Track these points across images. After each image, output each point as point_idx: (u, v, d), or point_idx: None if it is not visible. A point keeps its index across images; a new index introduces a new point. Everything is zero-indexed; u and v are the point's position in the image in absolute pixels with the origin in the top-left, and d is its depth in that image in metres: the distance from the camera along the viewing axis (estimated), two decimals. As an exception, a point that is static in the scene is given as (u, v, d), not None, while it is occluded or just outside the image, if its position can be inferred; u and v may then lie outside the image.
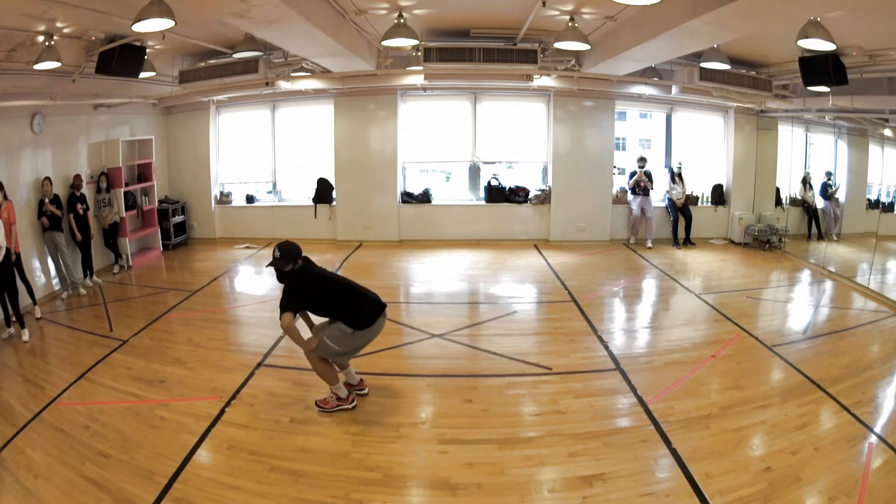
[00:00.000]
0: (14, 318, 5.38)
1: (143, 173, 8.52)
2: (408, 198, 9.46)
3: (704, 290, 6.84)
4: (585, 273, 7.60)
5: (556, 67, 7.54)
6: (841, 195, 8.81)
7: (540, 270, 7.78)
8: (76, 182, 6.91)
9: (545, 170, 9.57)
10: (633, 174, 9.15)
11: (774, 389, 4.20)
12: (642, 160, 9.11)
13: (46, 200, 6.41)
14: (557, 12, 5.39)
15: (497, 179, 9.50)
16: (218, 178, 9.72)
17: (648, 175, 9.08)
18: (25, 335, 5.27)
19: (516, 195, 9.43)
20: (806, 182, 8.92)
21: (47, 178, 6.47)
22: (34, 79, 5.87)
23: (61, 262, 6.71)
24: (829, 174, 8.78)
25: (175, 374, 4.52)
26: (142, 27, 4.01)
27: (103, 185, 7.50)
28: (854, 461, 3.22)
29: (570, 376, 4.44)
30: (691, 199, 9.40)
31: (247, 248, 9.14)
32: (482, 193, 9.59)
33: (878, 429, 3.57)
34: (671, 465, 3.23)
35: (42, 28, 5.01)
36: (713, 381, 4.34)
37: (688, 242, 9.13)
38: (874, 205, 8.00)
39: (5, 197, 5.52)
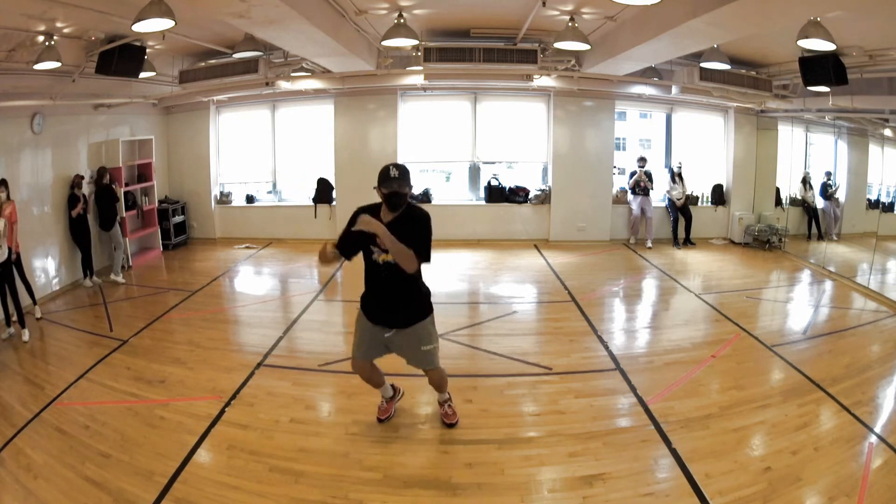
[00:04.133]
0: (14, 318, 5.38)
1: (143, 173, 8.52)
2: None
3: (704, 290, 6.84)
4: (585, 273, 7.60)
5: (556, 67, 7.55)
6: (841, 195, 8.82)
7: (540, 270, 7.78)
8: (76, 181, 6.91)
9: (545, 170, 9.57)
10: (633, 174, 9.15)
11: (774, 389, 4.19)
12: (642, 160, 9.11)
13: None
14: (557, 12, 5.39)
15: (497, 179, 9.50)
16: (218, 178, 9.72)
17: (648, 175, 9.08)
18: (25, 335, 5.27)
19: (516, 195, 9.43)
20: (806, 182, 8.93)
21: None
22: (34, 79, 5.87)
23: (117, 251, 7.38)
24: (828, 174, 8.79)
25: (175, 374, 4.52)
26: (142, 27, 4.02)
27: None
28: (854, 461, 3.22)
29: (571, 376, 4.44)
30: (691, 199, 9.40)
31: (247, 248, 9.13)
32: (482, 193, 9.60)
33: (878, 429, 3.57)
34: (671, 465, 3.23)
35: (42, 28, 5.01)
36: (713, 381, 4.34)
37: (688, 242, 9.14)
38: (874, 205, 8.00)
39: (8, 196, 5.52)
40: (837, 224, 8.90)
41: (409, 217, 3.15)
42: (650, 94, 8.74)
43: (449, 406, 3.74)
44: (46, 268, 6.69)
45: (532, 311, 6.39)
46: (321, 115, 9.43)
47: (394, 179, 3.04)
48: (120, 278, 7.29)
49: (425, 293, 3.38)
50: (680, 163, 9.21)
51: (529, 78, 8.08)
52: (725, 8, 3.91)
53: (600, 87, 8.59)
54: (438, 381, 3.61)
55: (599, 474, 3.16)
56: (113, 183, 7.46)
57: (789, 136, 8.97)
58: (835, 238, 8.84)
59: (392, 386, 3.81)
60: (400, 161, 9.21)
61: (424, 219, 3.17)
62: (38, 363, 4.87)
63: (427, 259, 3.16)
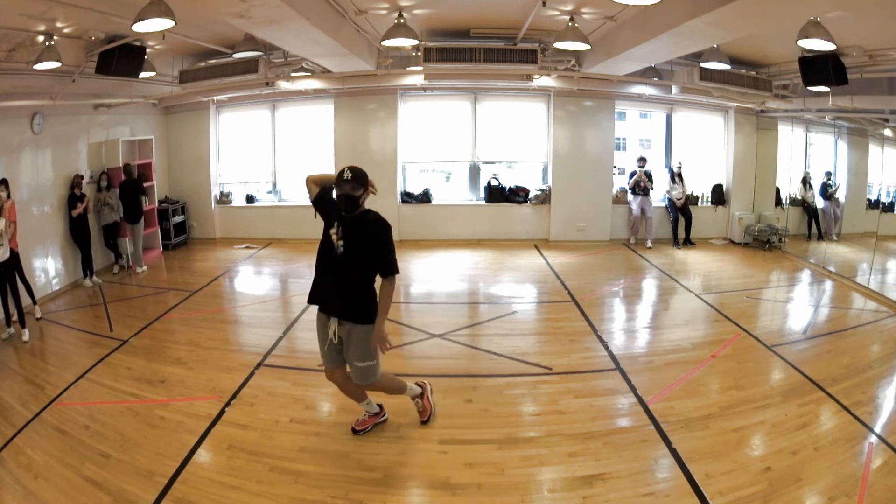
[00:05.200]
0: (15, 318, 5.38)
1: (143, 173, 8.48)
2: (408, 198, 9.46)
3: (704, 290, 6.84)
4: (585, 273, 7.60)
5: (556, 67, 7.54)
6: (841, 195, 8.81)
7: (540, 270, 7.78)
8: (76, 181, 6.92)
9: (545, 170, 9.57)
10: (632, 174, 9.15)
11: (774, 389, 4.20)
12: (642, 160, 9.11)
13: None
14: (557, 12, 5.39)
15: (497, 179, 9.50)
16: (218, 178, 9.72)
17: (648, 175, 9.08)
18: (25, 335, 5.27)
19: (516, 195, 9.43)
20: (806, 182, 8.92)
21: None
22: (34, 79, 5.87)
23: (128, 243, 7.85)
24: (828, 174, 8.78)
25: (175, 374, 4.52)
26: (142, 27, 4.02)
27: (104, 184, 7.50)
28: (854, 461, 3.22)
29: (570, 376, 4.44)
30: (691, 199, 9.39)
31: (247, 248, 9.13)
32: (482, 193, 9.59)
33: (878, 429, 3.57)
34: (671, 465, 3.23)
35: (42, 28, 5.01)
36: (713, 381, 4.34)
37: (688, 242, 9.13)
38: (874, 205, 8.00)
39: (8, 196, 5.52)
40: (837, 224, 8.90)
41: (366, 222, 3.19)
42: (650, 94, 8.74)
43: (419, 401, 3.70)
44: (46, 268, 6.69)
45: (532, 311, 6.39)
46: (321, 115, 9.43)
47: (346, 182, 3.09)
48: (144, 268, 7.86)
49: (370, 299, 3.20)
50: (680, 163, 9.21)
51: (529, 78, 8.08)
52: (725, 8, 3.91)
53: (600, 87, 8.59)
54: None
55: (599, 474, 3.16)
56: (140, 177, 7.86)
57: (789, 137, 8.97)
58: (835, 238, 8.84)
59: (380, 405, 3.69)
60: (400, 161, 9.31)
61: (385, 229, 3.18)
62: (38, 363, 4.87)
63: (393, 271, 3.16)
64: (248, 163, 9.90)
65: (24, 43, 5.19)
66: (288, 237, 9.49)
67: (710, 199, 9.63)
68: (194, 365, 4.70)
